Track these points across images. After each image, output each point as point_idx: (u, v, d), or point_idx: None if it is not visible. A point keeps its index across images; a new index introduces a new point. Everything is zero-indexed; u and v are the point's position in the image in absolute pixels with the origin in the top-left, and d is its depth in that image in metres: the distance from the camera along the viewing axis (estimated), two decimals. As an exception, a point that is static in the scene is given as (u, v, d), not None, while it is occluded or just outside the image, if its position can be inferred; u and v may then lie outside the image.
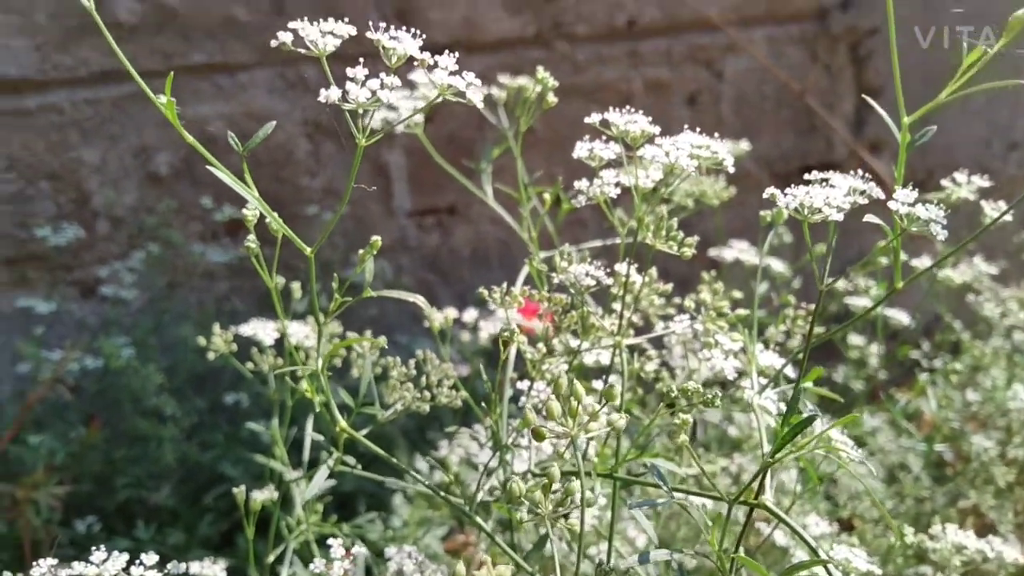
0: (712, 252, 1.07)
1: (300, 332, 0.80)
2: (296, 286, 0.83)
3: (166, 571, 0.55)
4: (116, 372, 1.39)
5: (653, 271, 0.63)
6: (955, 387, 1.17)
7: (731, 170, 0.56)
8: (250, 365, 0.82)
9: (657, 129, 0.58)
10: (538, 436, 0.40)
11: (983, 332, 1.31)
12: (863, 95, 0.64)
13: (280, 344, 0.86)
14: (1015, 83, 0.51)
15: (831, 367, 1.44)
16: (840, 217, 0.48)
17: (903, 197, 0.48)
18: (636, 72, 1.79)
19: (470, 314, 1.01)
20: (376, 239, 0.59)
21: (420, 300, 0.55)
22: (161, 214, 1.60)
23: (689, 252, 0.56)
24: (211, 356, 0.81)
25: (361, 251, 0.59)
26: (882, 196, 0.50)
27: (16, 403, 1.50)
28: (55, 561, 0.56)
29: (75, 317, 1.67)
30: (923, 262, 1.04)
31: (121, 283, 1.57)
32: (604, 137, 0.61)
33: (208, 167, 0.63)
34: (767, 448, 0.56)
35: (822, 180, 0.51)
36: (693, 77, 1.83)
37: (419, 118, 0.76)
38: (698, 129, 0.62)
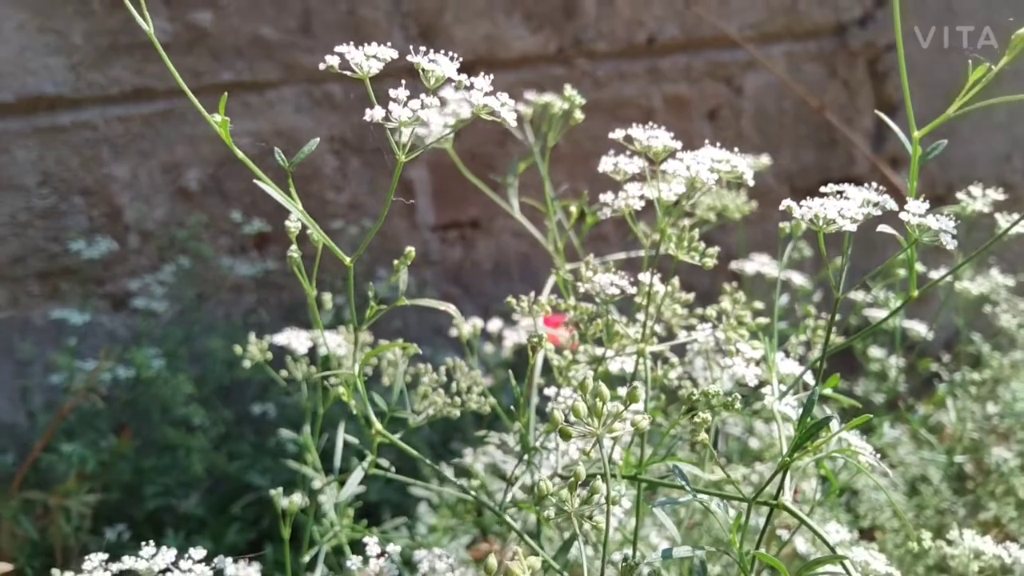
0: (734, 265, 1.08)
1: (332, 341, 0.82)
2: (327, 297, 0.85)
3: (212, 565, 0.58)
4: (147, 382, 1.42)
5: (676, 281, 0.65)
6: (974, 399, 1.18)
7: (751, 183, 0.58)
8: (284, 373, 0.85)
9: (679, 144, 0.60)
10: (565, 435, 0.42)
11: (1004, 345, 1.31)
12: (878, 110, 0.66)
13: (311, 354, 0.88)
14: (1021, 98, 0.53)
15: (852, 380, 1.44)
16: (853, 228, 0.50)
17: (915, 208, 0.50)
18: (656, 88, 1.81)
19: (495, 324, 1.03)
20: (410, 250, 0.61)
21: (451, 308, 0.58)
22: (191, 228, 1.64)
23: (710, 262, 0.58)
24: (247, 364, 0.84)
25: (395, 261, 0.62)
26: (897, 208, 0.51)
27: (48, 413, 1.53)
28: (105, 556, 0.58)
29: (106, 329, 1.71)
30: (940, 272, 1.05)
31: (152, 295, 1.60)
32: (628, 152, 0.63)
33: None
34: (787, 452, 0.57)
35: (837, 192, 0.53)
36: (713, 93, 1.85)
37: (450, 134, 0.79)
38: (718, 144, 0.64)
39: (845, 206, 0.51)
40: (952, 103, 0.61)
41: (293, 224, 0.63)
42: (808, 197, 0.72)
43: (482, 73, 0.52)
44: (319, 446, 0.86)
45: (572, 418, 0.46)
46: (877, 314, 1.08)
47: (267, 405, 1.51)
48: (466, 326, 0.78)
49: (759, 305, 0.65)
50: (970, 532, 0.70)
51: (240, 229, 1.68)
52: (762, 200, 1.61)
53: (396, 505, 1.38)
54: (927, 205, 0.51)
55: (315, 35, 1.66)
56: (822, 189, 0.55)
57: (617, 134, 0.61)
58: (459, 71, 0.54)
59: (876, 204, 0.51)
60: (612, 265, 0.62)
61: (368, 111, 0.50)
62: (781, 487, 0.52)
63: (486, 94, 0.51)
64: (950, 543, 0.71)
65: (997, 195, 0.72)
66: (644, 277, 0.62)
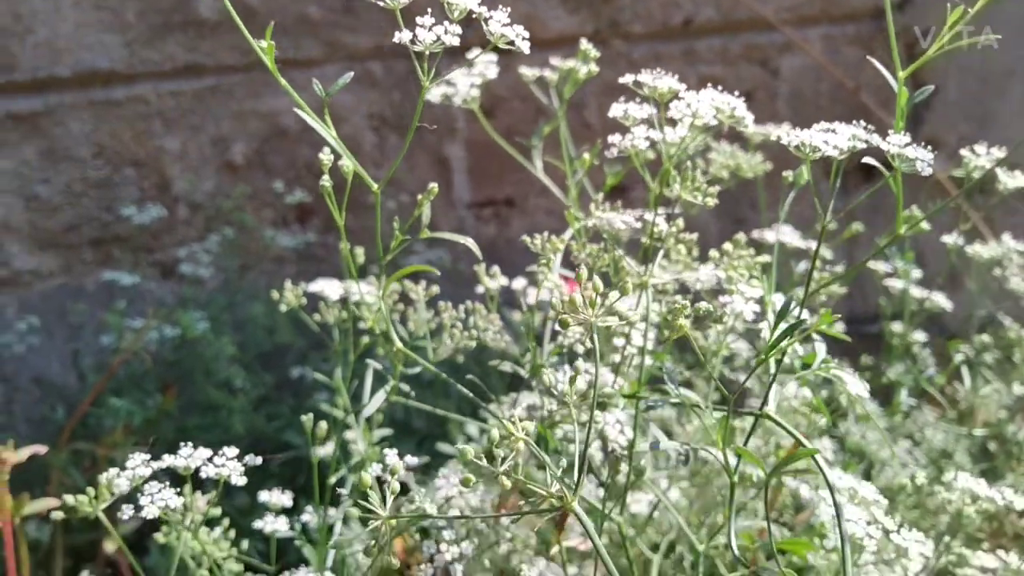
0: (755, 234, 1.11)
1: (364, 289, 0.87)
2: (360, 251, 0.90)
3: (244, 462, 0.63)
4: (191, 342, 1.48)
5: (680, 221, 0.68)
6: (990, 367, 1.19)
7: (751, 128, 0.61)
8: (316, 317, 0.90)
9: (683, 86, 0.64)
10: (563, 324, 0.46)
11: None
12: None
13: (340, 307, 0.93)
14: (994, 37, 0.56)
15: (879, 359, 1.46)
16: (836, 154, 0.53)
17: (896, 140, 0.53)
18: (692, 70, 1.83)
19: (519, 283, 1.07)
20: (433, 186, 0.65)
21: (470, 242, 0.62)
22: (235, 198, 1.70)
23: (712, 201, 0.62)
24: (283, 308, 0.89)
25: (419, 196, 0.66)
26: (880, 143, 0.54)
27: (98, 374, 1.61)
28: (148, 456, 0.63)
29: (155, 296, 1.79)
30: (954, 239, 1.07)
31: (198, 262, 1.67)
32: (638, 99, 0.66)
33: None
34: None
35: (826, 129, 0.56)
36: (748, 75, 1.87)
37: (475, 93, 0.83)
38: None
39: (831, 137, 0.54)
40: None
41: (326, 157, 0.68)
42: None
43: (500, 6, 0.56)
44: (350, 391, 0.91)
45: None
46: (896, 284, 1.09)
47: (305, 369, 1.57)
48: (491, 283, 0.82)
49: (766, 257, 0.68)
50: (965, 474, 0.73)
51: (282, 200, 1.74)
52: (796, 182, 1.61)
53: (426, 467, 1.42)
54: (908, 138, 0.54)
55: (358, 14, 1.71)
56: (818, 124, 0.58)
57: (627, 78, 0.64)
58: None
59: (864, 141, 0.54)
60: (621, 206, 0.66)
61: (396, 34, 0.54)
62: (766, 399, 0.56)
63: (504, 25, 0.55)
64: (946, 487, 0.73)
65: (999, 152, 0.74)
66: (649, 216, 0.66)
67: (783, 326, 0.51)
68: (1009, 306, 1.33)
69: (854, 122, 0.57)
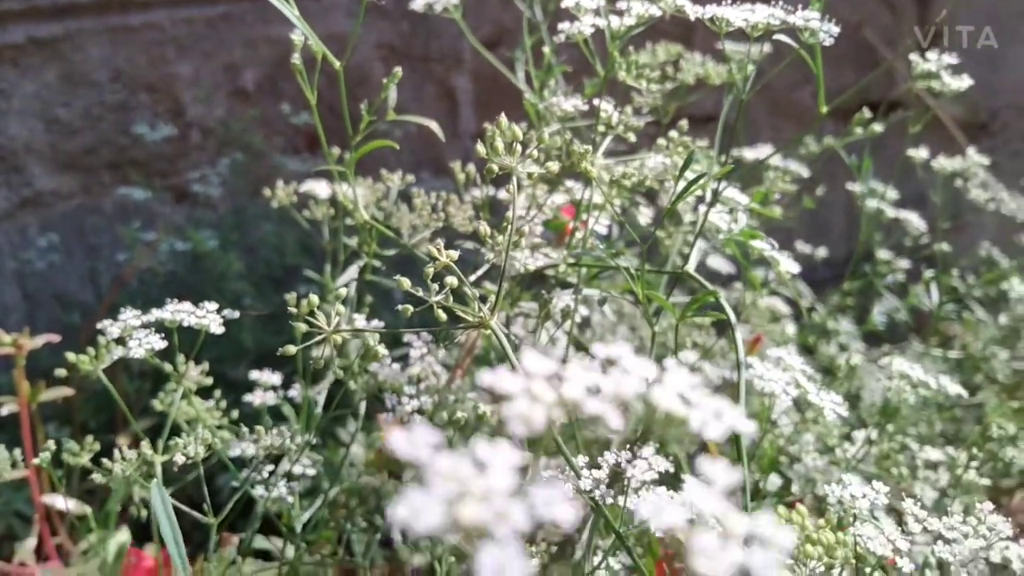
0: (734, 152, 1.14)
1: (347, 190, 0.92)
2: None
3: (223, 315, 0.69)
4: (201, 257, 1.55)
5: (629, 108, 0.72)
6: (978, 299, 1.22)
7: (692, 17, 0.65)
8: (307, 213, 0.95)
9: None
10: (488, 172, 0.51)
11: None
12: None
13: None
14: None
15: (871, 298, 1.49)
16: (744, 26, 0.57)
17: (803, 15, 0.57)
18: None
19: (504, 194, 1.11)
20: (397, 70, 0.70)
21: (433, 125, 0.66)
22: (245, 120, 1.76)
23: (656, 87, 0.66)
24: (274, 205, 0.95)
25: (384, 80, 0.70)
26: (794, 20, 0.58)
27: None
28: (137, 311, 0.69)
29: (168, 218, 1.85)
30: (920, 152, 1.10)
31: (209, 184, 1.73)
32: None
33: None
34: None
35: (748, 8, 0.60)
36: (753, 11, 1.88)
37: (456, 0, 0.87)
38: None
39: (748, 16, 0.58)
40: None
41: (297, 37, 0.72)
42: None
43: None
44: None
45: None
46: (872, 204, 1.13)
47: (312, 287, 1.64)
48: (476, 191, 0.87)
49: (705, 142, 0.72)
50: (900, 359, 0.77)
51: (293, 127, 1.79)
52: (800, 121, 1.65)
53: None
54: (816, 15, 0.57)
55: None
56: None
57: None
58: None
59: (781, 20, 0.58)
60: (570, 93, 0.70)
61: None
62: (687, 258, 0.60)
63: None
64: (885, 371, 0.78)
65: (951, 58, 0.77)
66: (596, 100, 0.70)
67: (688, 176, 0.56)
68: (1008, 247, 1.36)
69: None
